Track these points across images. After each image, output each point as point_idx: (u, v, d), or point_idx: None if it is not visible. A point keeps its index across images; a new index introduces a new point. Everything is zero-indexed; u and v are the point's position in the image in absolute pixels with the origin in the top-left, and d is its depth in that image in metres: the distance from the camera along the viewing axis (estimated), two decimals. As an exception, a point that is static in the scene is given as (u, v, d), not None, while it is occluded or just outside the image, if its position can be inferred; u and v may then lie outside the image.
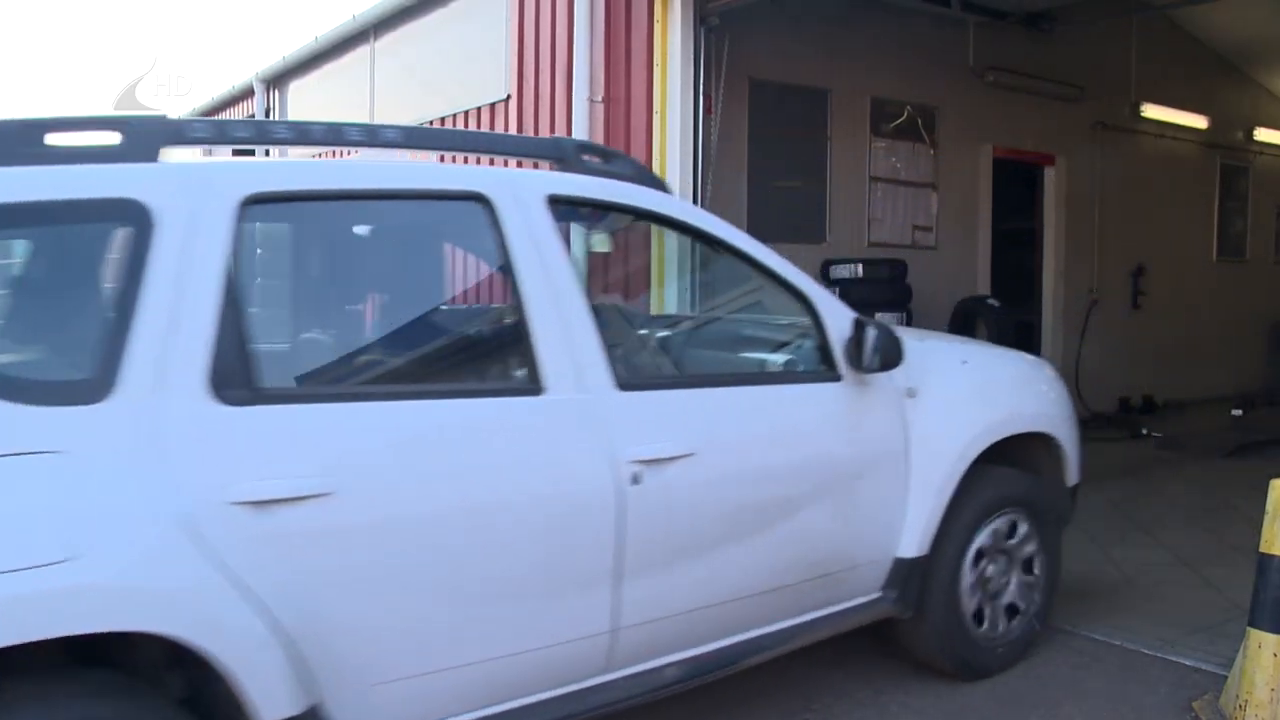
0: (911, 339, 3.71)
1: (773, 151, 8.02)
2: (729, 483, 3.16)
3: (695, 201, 6.52)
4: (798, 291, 3.47)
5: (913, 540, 3.64)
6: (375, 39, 9.92)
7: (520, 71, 7.72)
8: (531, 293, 2.85)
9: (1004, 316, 8.85)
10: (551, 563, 2.80)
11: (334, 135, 2.91)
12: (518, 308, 2.85)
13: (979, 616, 3.88)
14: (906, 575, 3.65)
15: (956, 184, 9.26)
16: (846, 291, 8.13)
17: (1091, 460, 8.28)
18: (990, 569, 3.90)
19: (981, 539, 3.84)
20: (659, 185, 3.47)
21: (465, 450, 2.70)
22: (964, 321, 8.96)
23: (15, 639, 1.99)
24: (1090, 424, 9.84)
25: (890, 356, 3.41)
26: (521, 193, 2.94)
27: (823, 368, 3.46)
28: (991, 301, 9.05)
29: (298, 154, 3.46)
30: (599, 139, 6.86)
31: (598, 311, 3.31)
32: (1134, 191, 10.61)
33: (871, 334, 3.37)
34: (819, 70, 8.19)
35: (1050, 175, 10.13)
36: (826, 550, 3.45)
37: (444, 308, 3.68)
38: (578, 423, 2.86)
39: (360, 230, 3.56)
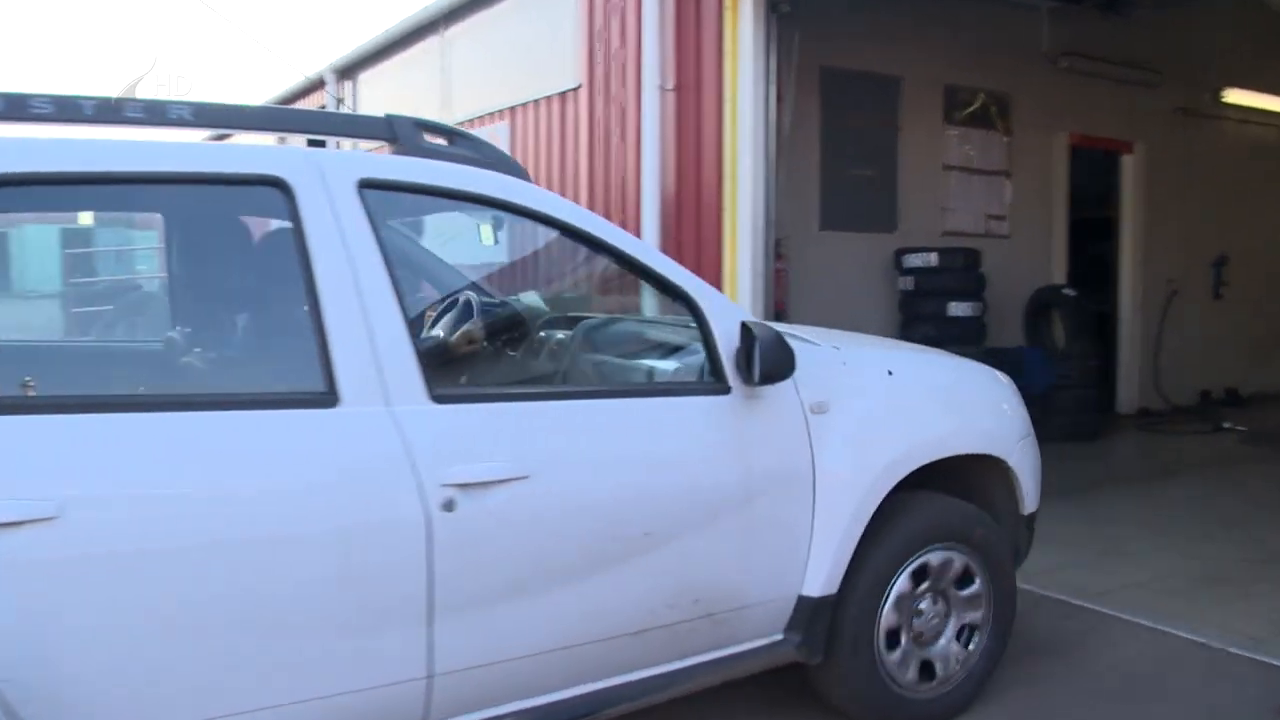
0: (829, 345, 3.41)
1: (844, 140, 7.94)
2: (576, 510, 2.72)
3: (765, 191, 6.47)
4: (676, 290, 3.01)
5: (818, 577, 3.15)
6: (445, 29, 9.98)
7: (590, 60, 7.72)
8: (328, 290, 2.48)
9: (1080, 307, 8.69)
10: (348, 600, 2.41)
11: (108, 113, 2.54)
12: (314, 307, 2.47)
13: (905, 663, 3.38)
14: (811, 616, 3.16)
15: (1031, 172, 9.10)
16: (921, 281, 8.09)
17: (1170, 454, 8.25)
18: (921, 610, 3.40)
19: (904, 577, 3.33)
20: (513, 169, 3.00)
21: (238, 469, 2.32)
22: (1040, 311, 8.81)
23: None
24: (1169, 417, 9.66)
25: (776, 367, 2.93)
26: (328, 176, 2.57)
27: (709, 379, 3.00)
28: (1068, 291, 8.89)
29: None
30: (669, 127, 6.84)
31: (460, 309, 3.34)
32: (1217, 179, 10.34)
33: (755, 340, 2.90)
34: (891, 58, 8.09)
35: (1129, 163, 9.92)
36: (709, 588, 2.99)
37: (227, 307, 3.16)
38: (377, 439, 2.45)
39: (124, 217, 3.20)
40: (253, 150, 2.67)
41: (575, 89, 7.97)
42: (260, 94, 13.29)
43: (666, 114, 6.86)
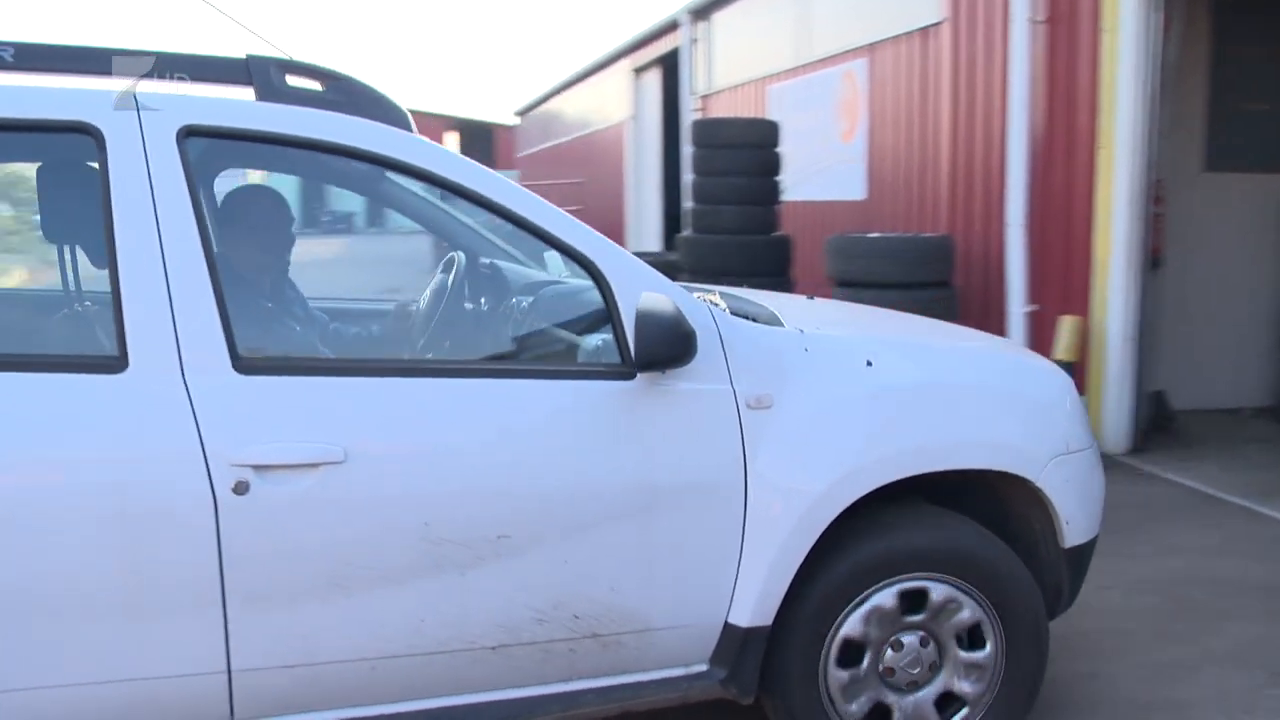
0: (780, 330, 2.84)
1: (1240, 71, 7.23)
2: (404, 503, 2.39)
3: (1146, 128, 6.02)
4: (573, 251, 2.56)
5: (747, 604, 2.65)
6: (802, -34, 9.94)
7: (955, -8, 7.46)
8: (126, 245, 2.28)
9: None
10: (133, 580, 2.26)
11: None
12: (111, 264, 2.29)
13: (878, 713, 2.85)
14: (741, 648, 2.69)
15: None
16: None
17: None
18: (899, 649, 2.83)
19: (863, 611, 2.77)
20: (392, 116, 2.62)
21: (15, 434, 2.20)
22: None
23: None
24: None
25: (658, 351, 2.42)
26: (146, 123, 2.35)
27: (607, 361, 2.56)
28: None
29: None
30: (1039, 63, 6.50)
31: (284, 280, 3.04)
32: None
33: (643, 315, 2.42)
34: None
35: None
36: (591, 605, 2.58)
37: (28, 261, 3.02)
38: (163, 409, 2.25)
39: None
40: (63, 94, 2.41)
41: (938, 24, 7.71)
42: (614, 35, 13.78)
43: (1036, 48, 6.51)
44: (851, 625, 2.75)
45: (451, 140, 48.48)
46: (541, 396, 2.51)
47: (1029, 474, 2.90)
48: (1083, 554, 3.10)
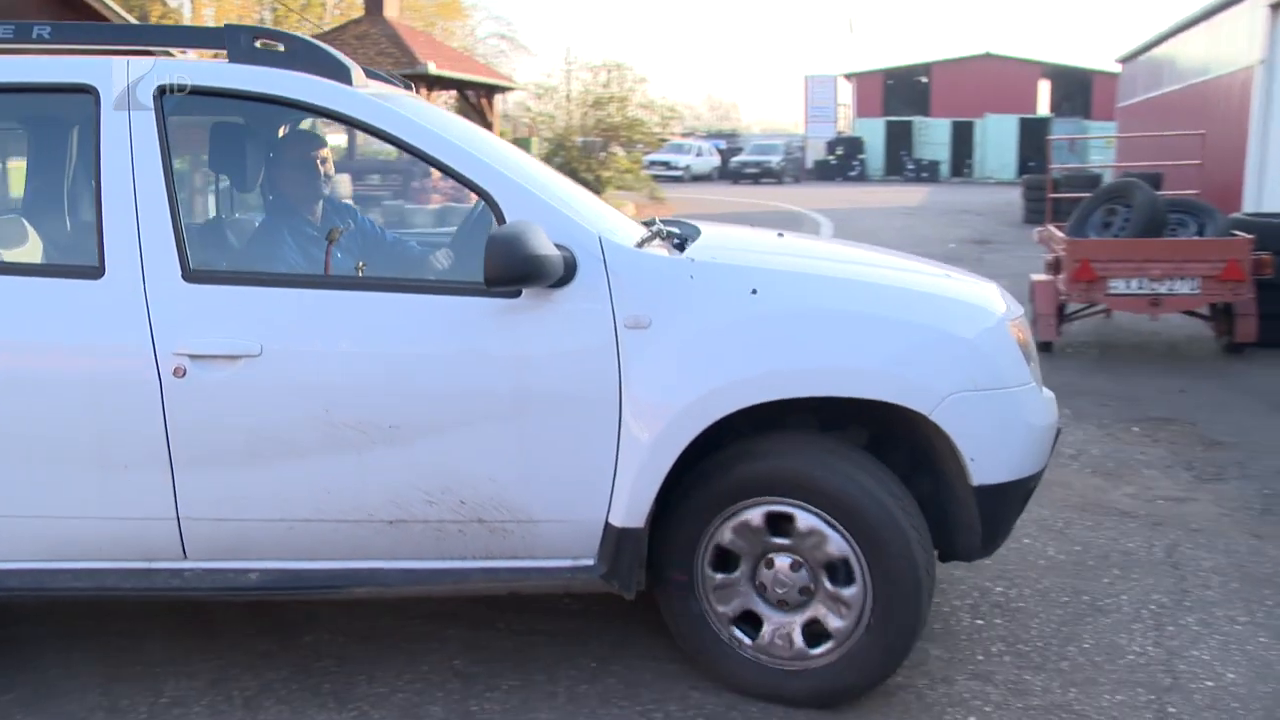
0: (669, 258, 3.07)
1: None
2: (310, 391, 2.89)
3: None
4: (471, 183, 2.97)
5: (622, 506, 2.92)
6: None
7: None
8: (109, 180, 2.93)
9: None
10: (101, 439, 2.92)
11: None
12: (97, 194, 2.93)
13: (748, 621, 3.09)
14: (617, 546, 2.94)
15: None
16: None
17: None
18: (771, 567, 3.02)
19: (734, 524, 3.01)
20: (337, 72, 3.07)
21: (24, 322, 2.94)
22: None
23: None
24: None
25: (504, 272, 2.71)
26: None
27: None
28: None
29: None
30: None
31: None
32: None
33: (492, 243, 2.71)
34: None
35: None
36: (475, 492, 2.96)
37: (44, 191, 3.67)
38: (126, 308, 2.88)
39: None
40: (70, 62, 3.09)
41: None
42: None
43: None
44: (723, 535, 3.02)
45: (1044, 88, 46.89)
46: (430, 308, 2.94)
47: (918, 406, 2.92)
48: (1000, 494, 3.04)
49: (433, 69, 18.89)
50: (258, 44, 3.10)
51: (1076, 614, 3.67)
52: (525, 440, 2.93)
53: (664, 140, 30.37)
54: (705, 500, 3.02)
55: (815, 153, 44.74)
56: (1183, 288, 7.59)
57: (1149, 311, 7.78)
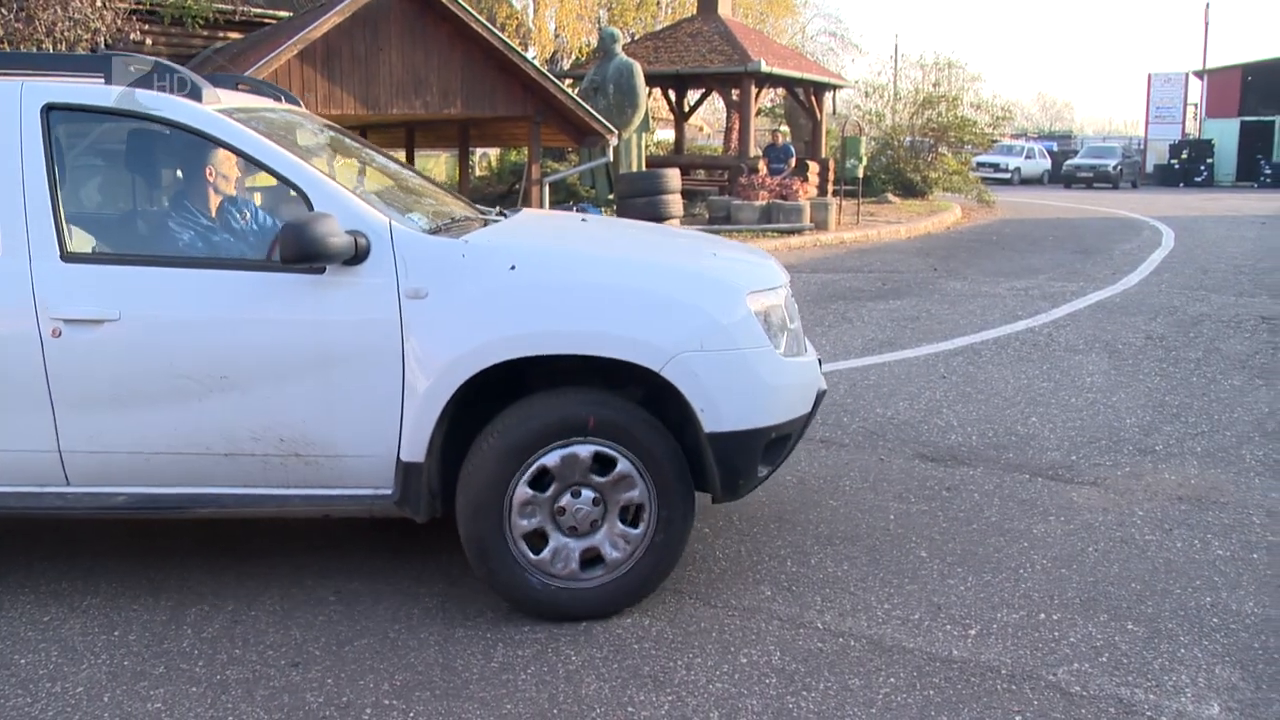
0: (457, 239, 3.73)
1: None
2: (158, 349, 3.57)
3: None
4: (291, 183, 3.64)
5: (410, 445, 3.57)
6: None
7: None
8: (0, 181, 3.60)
9: None
10: None
11: None
12: None
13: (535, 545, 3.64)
14: (405, 477, 3.60)
15: None
16: None
17: None
18: (577, 497, 3.60)
19: (561, 455, 3.56)
20: (193, 92, 3.74)
21: None
22: None
23: None
24: None
25: (292, 252, 3.38)
26: (23, 100, 3.64)
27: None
28: None
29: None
30: None
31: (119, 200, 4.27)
32: None
33: (285, 230, 3.40)
34: None
35: None
36: (292, 431, 3.60)
37: None
38: (9, 282, 3.56)
39: None
40: None
41: None
42: None
43: None
44: (550, 459, 3.54)
45: None
46: (251, 283, 3.61)
47: (649, 363, 3.52)
48: (734, 441, 3.60)
49: (764, 66, 19.13)
50: (131, 69, 3.80)
51: None
52: (329, 389, 3.58)
53: (994, 141, 29.34)
54: (530, 436, 3.55)
55: (1157, 156, 41.83)
56: None
57: None
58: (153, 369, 3.57)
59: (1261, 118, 41.19)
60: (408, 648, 3.47)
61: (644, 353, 3.52)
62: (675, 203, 16.61)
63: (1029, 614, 3.69)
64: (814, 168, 20.62)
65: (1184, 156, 39.94)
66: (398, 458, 3.59)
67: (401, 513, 3.63)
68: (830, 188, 20.51)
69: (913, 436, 5.80)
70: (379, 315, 3.52)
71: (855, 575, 4.02)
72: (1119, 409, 6.32)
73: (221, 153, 3.86)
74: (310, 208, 3.54)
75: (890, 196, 23.11)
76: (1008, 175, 36.85)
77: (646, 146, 20.33)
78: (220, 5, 15.93)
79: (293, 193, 3.65)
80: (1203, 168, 39.15)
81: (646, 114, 19.10)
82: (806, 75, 21.59)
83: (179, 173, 4.16)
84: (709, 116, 35.45)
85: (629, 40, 23.47)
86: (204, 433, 3.61)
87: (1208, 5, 67.34)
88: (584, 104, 16.36)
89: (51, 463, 3.66)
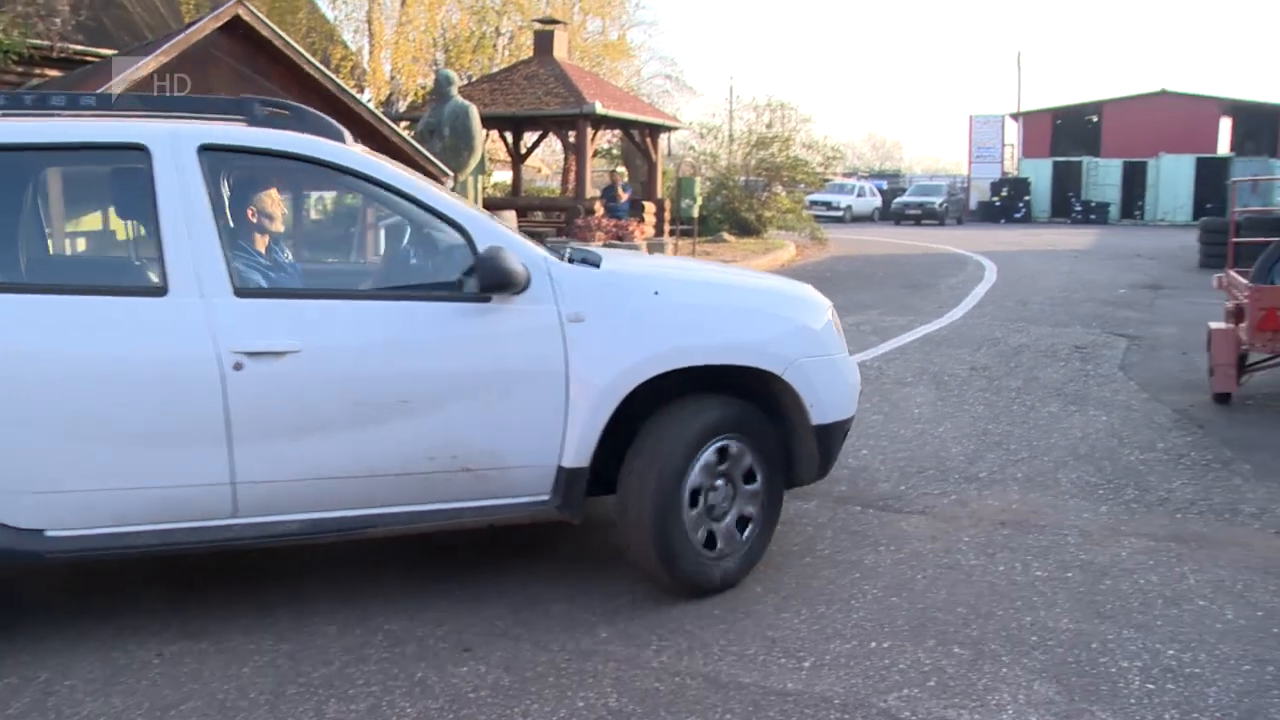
0: (600, 270, 4.12)
1: None
2: (340, 378, 3.66)
3: None
4: (452, 221, 3.88)
5: (572, 452, 3.86)
6: None
7: None
8: (167, 218, 3.59)
9: None
10: (171, 422, 3.54)
11: (40, 103, 3.88)
12: (156, 230, 3.60)
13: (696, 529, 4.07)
14: (568, 483, 3.88)
15: None
16: None
17: None
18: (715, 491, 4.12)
19: (701, 460, 4.02)
20: (329, 132, 3.96)
21: (106, 330, 3.53)
22: None
23: None
24: None
25: (494, 283, 3.71)
26: (178, 142, 3.66)
27: (473, 290, 3.79)
28: None
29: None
30: None
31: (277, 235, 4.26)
32: None
33: (483, 261, 3.69)
34: None
35: None
36: (465, 448, 3.80)
37: (108, 231, 4.41)
38: (189, 318, 3.54)
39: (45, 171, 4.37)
40: (126, 124, 3.81)
41: None
42: None
43: None
44: (707, 454, 4.03)
45: (1225, 126, 44.86)
46: (428, 312, 3.81)
47: (778, 369, 4.16)
48: (831, 431, 4.36)
49: (599, 108, 19.29)
50: (268, 112, 3.94)
51: (1261, 685, 3.48)
52: (500, 407, 3.82)
53: (826, 180, 30.26)
54: (683, 444, 3.97)
55: (979, 193, 43.89)
56: (1381, 339, 7.14)
57: (1342, 363, 7.34)
58: (333, 398, 3.67)
59: (1071, 158, 43.75)
60: (237, 709, 3.30)
61: (771, 360, 4.17)
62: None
63: (861, 643, 3.76)
64: (650, 208, 20.90)
65: (1004, 194, 42.03)
66: (559, 465, 3.89)
67: (561, 517, 3.96)
68: (667, 228, 20.82)
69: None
70: (544, 338, 3.85)
71: (691, 613, 4.01)
72: (945, 439, 6.55)
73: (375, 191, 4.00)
74: (471, 243, 3.81)
75: (726, 235, 23.53)
76: (840, 213, 38.02)
77: (484, 189, 20.21)
78: (36, 41, 15.20)
79: (450, 229, 3.88)
80: (1021, 204, 41.25)
81: (483, 156, 19.00)
82: (642, 117, 21.87)
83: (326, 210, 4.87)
84: (547, 158, 35.54)
85: (465, 82, 23.36)
86: (382, 456, 3.74)
87: (1019, 53, 71.38)
88: (420, 147, 16.21)
89: (223, 495, 3.63)
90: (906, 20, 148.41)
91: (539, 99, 20.19)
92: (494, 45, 30.43)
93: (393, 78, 25.64)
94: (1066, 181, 42.93)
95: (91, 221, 5.25)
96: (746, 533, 4.21)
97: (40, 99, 3.91)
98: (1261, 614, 4.01)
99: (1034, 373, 8.83)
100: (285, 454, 3.63)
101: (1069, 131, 45.78)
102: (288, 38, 14.44)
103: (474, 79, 25.47)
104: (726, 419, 4.06)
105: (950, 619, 3.96)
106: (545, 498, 3.93)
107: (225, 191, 4.07)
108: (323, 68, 15.48)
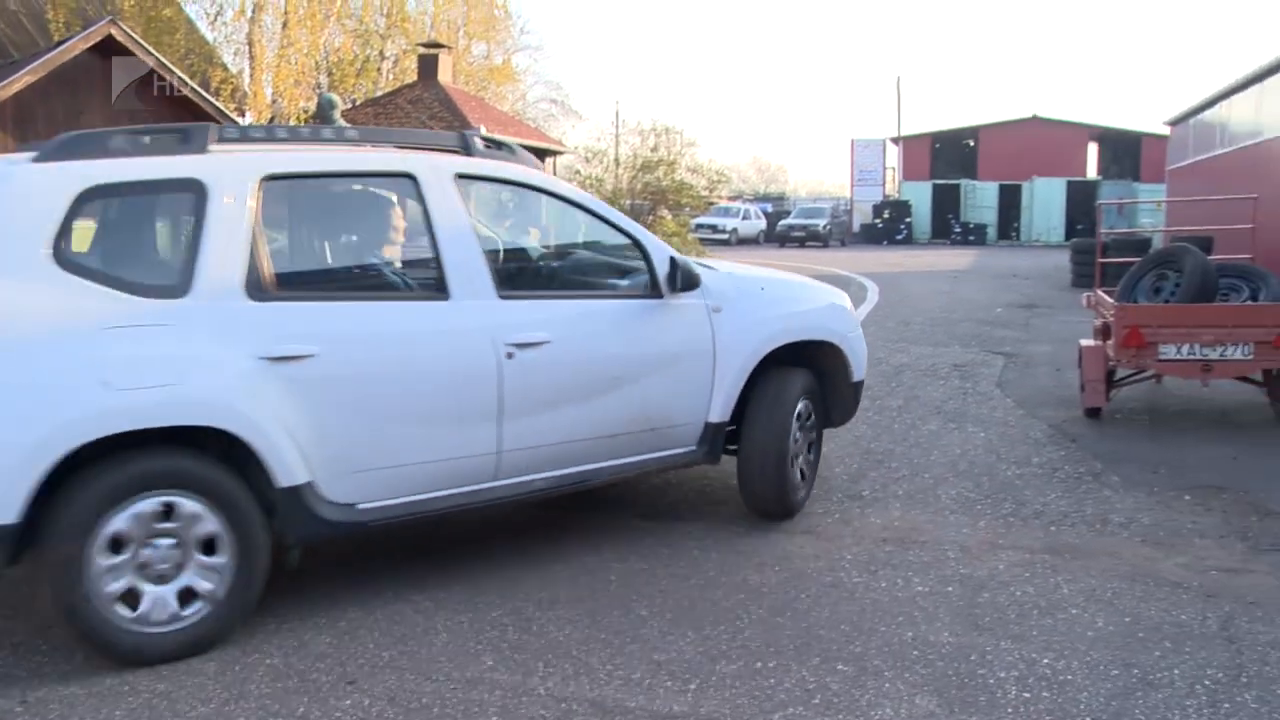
0: (723, 272, 5.56)
1: None
2: (578, 362, 4.65)
3: None
4: (632, 237, 5.00)
5: (717, 410, 5.11)
6: None
7: None
8: (442, 236, 4.38)
9: None
10: (456, 405, 4.31)
11: (315, 135, 4.75)
12: (434, 245, 4.38)
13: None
14: (713, 435, 5.13)
15: None
16: None
17: None
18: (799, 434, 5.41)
19: (798, 409, 5.35)
20: (531, 163, 5.00)
21: (407, 328, 4.27)
22: None
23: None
24: None
25: (688, 284, 4.93)
26: (439, 171, 4.49)
27: (651, 291, 4.94)
28: None
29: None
30: None
31: (507, 247, 5.31)
32: None
33: (678, 269, 4.91)
34: None
35: None
36: (651, 411, 4.90)
37: (394, 244, 5.04)
38: (469, 317, 4.35)
39: (339, 192, 4.98)
40: (396, 157, 4.56)
41: None
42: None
43: None
44: (801, 405, 5.48)
45: (1092, 151, 46.79)
46: (629, 309, 4.92)
47: (838, 341, 5.68)
48: (859, 386, 5.95)
49: (483, 132, 19.19)
50: (480, 143, 4.80)
51: (1127, 688, 3.59)
52: (674, 377, 4.98)
53: (711, 204, 30.59)
54: (772, 399, 5.31)
55: (862, 216, 44.85)
56: (1235, 353, 7.47)
57: (1200, 377, 7.66)
58: (570, 378, 4.61)
59: (949, 181, 45.06)
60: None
61: (833, 335, 5.68)
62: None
63: (747, 664, 3.78)
64: (534, 232, 20.87)
65: (886, 216, 43.03)
66: (706, 421, 5.10)
67: (704, 461, 5.18)
68: (557, 251, 20.77)
69: (631, 498, 5.86)
70: (700, 325, 5.06)
71: (577, 638, 3.99)
72: (829, 458, 6.63)
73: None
74: (644, 254, 4.95)
75: (616, 258, 23.59)
76: (726, 236, 38.42)
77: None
78: (-111, 62, 14.53)
79: (626, 240, 4.99)
80: (903, 226, 42.28)
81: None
82: (526, 141, 21.88)
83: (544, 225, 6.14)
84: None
85: (349, 106, 23.07)
86: (602, 421, 4.73)
87: (899, 78, 73.16)
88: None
89: (490, 463, 4.42)
90: (790, 46, 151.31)
91: (422, 123, 20.07)
92: (378, 69, 30.12)
93: (274, 101, 25.15)
94: (946, 204, 44.18)
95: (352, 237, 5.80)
96: (809, 469, 5.63)
97: (314, 131, 4.95)
98: (1129, 620, 4.14)
99: (915, 391, 9.03)
100: (537, 425, 4.51)
101: (947, 155, 47.19)
102: (164, 59, 14.05)
103: (358, 103, 25.16)
104: (810, 383, 5.50)
105: (834, 636, 4.00)
106: (694, 448, 5.11)
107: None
108: (201, 90, 15.10)
